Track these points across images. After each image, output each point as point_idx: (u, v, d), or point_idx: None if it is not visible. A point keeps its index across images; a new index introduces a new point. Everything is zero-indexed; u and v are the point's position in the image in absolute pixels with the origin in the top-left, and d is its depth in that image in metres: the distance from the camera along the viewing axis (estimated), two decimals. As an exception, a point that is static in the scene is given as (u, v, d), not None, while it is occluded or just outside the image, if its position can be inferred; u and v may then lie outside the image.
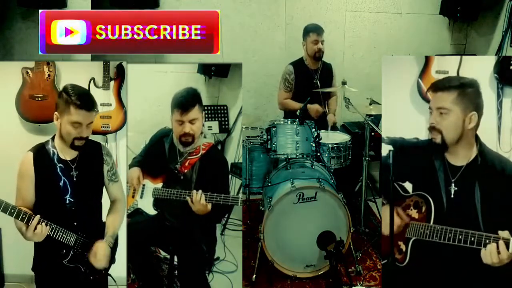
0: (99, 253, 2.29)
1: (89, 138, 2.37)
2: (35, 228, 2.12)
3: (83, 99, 2.19)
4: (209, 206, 2.41)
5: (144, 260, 2.65)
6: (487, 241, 1.84)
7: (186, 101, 2.49)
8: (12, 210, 2.10)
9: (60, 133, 2.23)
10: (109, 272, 2.40)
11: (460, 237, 1.89)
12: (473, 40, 4.73)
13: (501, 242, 1.82)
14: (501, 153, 2.15)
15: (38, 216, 2.14)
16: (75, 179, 2.26)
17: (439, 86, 2.00)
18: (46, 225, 2.15)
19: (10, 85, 2.64)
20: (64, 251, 2.25)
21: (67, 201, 2.25)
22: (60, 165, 2.25)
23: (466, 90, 1.96)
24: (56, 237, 2.20)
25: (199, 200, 2.40)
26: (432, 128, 2.00)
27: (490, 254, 1.83)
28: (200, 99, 2.55)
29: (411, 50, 4.57)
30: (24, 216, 2.12)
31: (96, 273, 2.31)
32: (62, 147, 2.26)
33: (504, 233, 1.84)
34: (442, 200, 2.02)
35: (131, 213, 2.61)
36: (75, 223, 2.26)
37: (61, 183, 2.24)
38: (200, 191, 2.42)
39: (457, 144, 1.98)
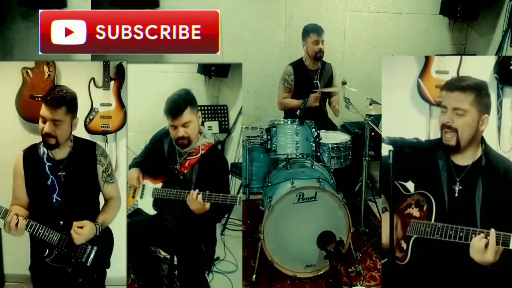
0: (84, 229, 2.27)
1: (84, 138, 2.41)
2: (12, 223, 2.14)
3: (51, 95, 2.23)
4: (207, 205, 2.41)
5: (144, 260, 2.65)
6: (487, 237, 1.85)
7: (175, 106, 2.48)
8: None
9: None
10: (108, 272, 2.40)
11: (461, 234, 1.90)
12: (473, 40, 4.73)
13: (492, 236, 1.83)
14: (501, 153, 2.16)
15: (13, 212, 2.16)
16: (62, 179, 2.28)
17: (457, 86, 2.00)
18: (24, 220, 2.17)
19: (10, 85, 2.64)
20: (47, 250, 2.25)
21: (54, 200, 2.27)
22: (49, 164, 2.28)
23: (482, 92, 2.00)
24: (37, 235, 2.20)
25: (195, 199, 2.40)
26: (447, 127, 2.00)
27: (477, 246, 1.85)
28: (192, 101, 2.53)
29: (411, 50, 4.57)
30: None
31: (84, 275, 2.30)
32: None
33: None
34: (444, 199, 2.03)
35: (131, 213, 2.61)
36: (61, 222, 2.26)
37: (49, 182, 2.26)
38: (196, 190, 2.41)
39: (468, 144, 2.00)
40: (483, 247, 1.84)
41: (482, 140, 2.03)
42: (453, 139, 1.99)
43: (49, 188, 2.26)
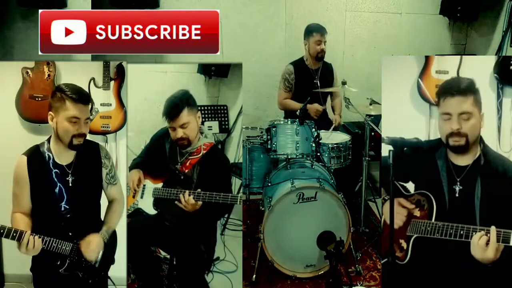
0: (92, 244, 2.25)
1: (87, 139, 2.33)
2: (28, 244, 2.09)
3: (78, 94, 2.17)
4: (199, 203, 2.41)
5: (144, 260, 2.65)
6: (488, 235, 1.85)
7: (173, 107, 2.48)
8: (1, 231, 2.07)
9: (57, 133, 2.18)
10: (108, 272, 2.40)
11: (462, 232, 1.91)
12: (473, 40, 4.73)
13: (492, 233, 1.83)
14: (501, 153, 2.16)
15: (28, 233, 2.10)
16: (70, 185, 2.22)
17: (457, 90, 1.98)
18: (39, 238, 2.12)
19: (10, 85, 2.64)
20: (59, 261, 2.21)
21: (63, 208, 2.21)
22: (56, 170, 2.20)
23: (476, 91, 2.00)
24: (51, 249, 2.16)
25: (187, 200, 2.40)
26: (456, 134, 1.97)
27: (478, 243, 1.85)
28: (190, 101, 2.52)
29: (411, 50, 4.57)
30: (14, 235, 2.08)
31: (94, 276, 2.29)
32: (59, 150, 2.21)
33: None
34: (445, 199, 2.03)
35: (131, 213, 2.60)
36: (71, 231, 2.22)
37: (57, 190, 2.20)
38: (187, 191, 2.41)
39: (472, 144, 2.00)
40: (483, 245, 1.84)
41: (481, 140, 2.03)
42: (462, 140, 1.97)
43: (57, 196, 2.19)
